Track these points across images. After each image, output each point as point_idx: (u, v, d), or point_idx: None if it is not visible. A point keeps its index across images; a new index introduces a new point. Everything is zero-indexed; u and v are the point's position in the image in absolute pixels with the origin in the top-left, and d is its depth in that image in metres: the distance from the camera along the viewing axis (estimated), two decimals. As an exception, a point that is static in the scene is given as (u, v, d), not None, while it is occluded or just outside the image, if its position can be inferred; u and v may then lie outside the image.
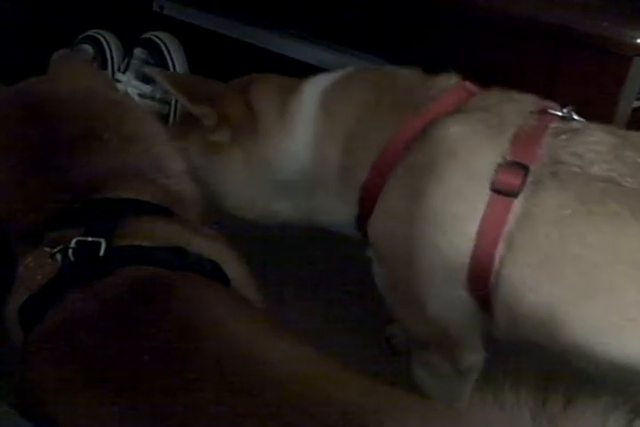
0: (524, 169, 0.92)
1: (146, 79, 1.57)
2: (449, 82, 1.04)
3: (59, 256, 0.77)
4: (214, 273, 0.80)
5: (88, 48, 1.60)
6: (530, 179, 0.92)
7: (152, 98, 1.58)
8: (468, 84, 1.04)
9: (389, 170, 1.00)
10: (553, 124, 0.96)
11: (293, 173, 1.09)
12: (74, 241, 0.77)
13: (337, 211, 1.09)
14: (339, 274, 1.53)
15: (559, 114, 0.98)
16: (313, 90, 1.08)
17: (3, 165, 0.88)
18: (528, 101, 1.00)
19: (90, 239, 0.77)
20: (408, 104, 1.02)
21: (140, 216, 0.82)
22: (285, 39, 1.41)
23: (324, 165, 1.06)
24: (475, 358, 1.05)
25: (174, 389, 0.65)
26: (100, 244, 0.77)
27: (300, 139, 1.07)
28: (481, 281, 0.94)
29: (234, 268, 0.83)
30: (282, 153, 1.09)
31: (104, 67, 1.61)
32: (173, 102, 1.59)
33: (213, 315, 0.74)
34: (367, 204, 1.03)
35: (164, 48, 1.57)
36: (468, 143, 0.96)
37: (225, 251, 0.86)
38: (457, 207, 0.95)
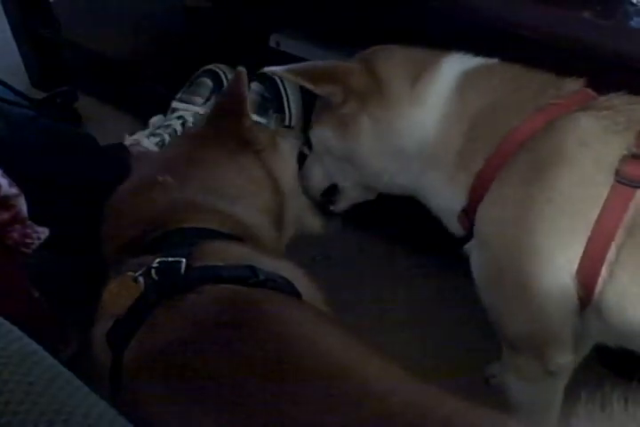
0: None
1: (261, 112, 1.63)
2: (575, 86, 1.10)
3: (141, 279, 0.82)
4: (287, 288, 0.83)
5: (207, 81, 1.67)
6: None
7: (266, 130, 1.62)
8: (590, 90, 1.10)
9: (509, 159, 1.04)
10: None
11: (414, 144, 1.13)
12: (156, 261, 0.83)
13: (443, 195, 1.13)
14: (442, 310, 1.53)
15: None
16: (455, 67, 1.13)
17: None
18: None
19: (170, 259, 0.83)
20: (537, 102, 1.08)
21: (212, 240, 0.88)
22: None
23: (444, 145, 1.11)
24: (564, 358, 1.06)
25: (274, 404, 0.67)
26: (180, 263, 0.82)
27: (429, 112, 1.12)
28: (592, 269, 0.98)
29: (302, 283, 0.87)
30: (408, 121, 1.14)
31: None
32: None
33: (305, 330, 0.77)
34: (478, 192, 1.07)
35: (279, 82, 1.62)
36: (597, 134, 1.02)
37: (292, 268, 0.90)
38: (584, 192, 1.00)
